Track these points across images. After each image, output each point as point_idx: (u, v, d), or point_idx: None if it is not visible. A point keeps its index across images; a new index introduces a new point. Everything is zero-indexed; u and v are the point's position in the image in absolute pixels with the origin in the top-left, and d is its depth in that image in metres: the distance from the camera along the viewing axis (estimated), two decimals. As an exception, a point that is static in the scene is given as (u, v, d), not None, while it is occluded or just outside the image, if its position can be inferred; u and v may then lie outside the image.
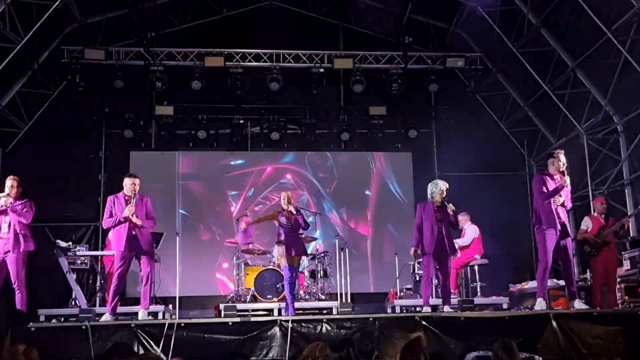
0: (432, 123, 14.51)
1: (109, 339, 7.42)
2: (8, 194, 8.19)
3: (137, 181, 8.35)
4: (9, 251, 8.11)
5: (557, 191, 8.26)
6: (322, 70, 12.85)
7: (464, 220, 11.36)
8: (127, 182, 8.33)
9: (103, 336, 7.43)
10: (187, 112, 13.88)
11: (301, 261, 9.50)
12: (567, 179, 8.26)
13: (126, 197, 8.27)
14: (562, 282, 10.57)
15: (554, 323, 7.86)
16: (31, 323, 7.55)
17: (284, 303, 9.22)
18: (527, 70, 12.41)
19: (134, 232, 8.19)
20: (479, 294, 11.03)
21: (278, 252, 9.37)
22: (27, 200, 8.35)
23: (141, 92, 13.18)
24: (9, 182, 8.25)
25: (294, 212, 8.99)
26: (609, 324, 7.90)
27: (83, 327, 7.40)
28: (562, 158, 8.38)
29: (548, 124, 13.54)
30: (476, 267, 11.27)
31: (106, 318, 8.08)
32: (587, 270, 10.53)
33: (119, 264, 8.20)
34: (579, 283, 10.94)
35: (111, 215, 8.21)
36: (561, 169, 8.34)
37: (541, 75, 12.40)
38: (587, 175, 12.31)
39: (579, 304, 8.41)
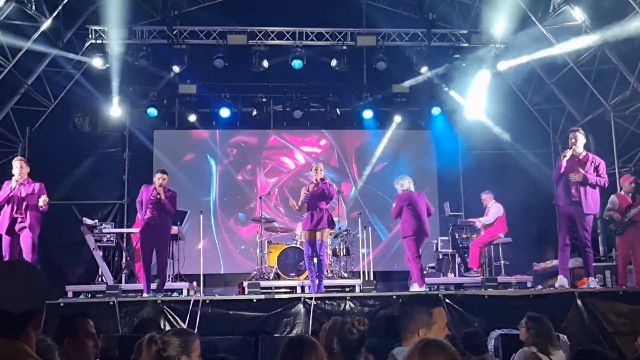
0: (456, 100, 14.35)
1: (136, 315, 7.57)
2: (18, 176, 8.32)
3: (165, 177, 8.81)
4: (24, 227, 8.29)
5: (558, 169, 8.32)
6: (345, 48, 12.75)
7: (487, 198, 11.32)
8: (155, 177, 8.85)
9: (130, 312, 7.57)
10: (210, 91, 13.92)
11: (327, 235, 9.27)
12: (568, 152, 8.31)
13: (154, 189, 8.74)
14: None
15: (579, 301, 7.86)
16: (59, 299, 7.71)
17: (309, 280, 9.27)
18: (553, 47, 12.19)
19: (153, 222, 8.70)
20: (502, 272, 11.01)
21: (301, 225, 9.27)
22: (40, 185, 8.49)
23: (165, 71, 13.21)
24: (17, 163, 8.40)
25: (318, 183, 8.90)
26: (635, 303, 7.87)
27: (110, 303, 7.54)
28: (576, 135, 8.40)
29: (574, 101, 13.34)
30: (500, 246, 11.23)
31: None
32: (613, 249, 10.45)
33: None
34: (603, 261, 10.89)
35: (141, 204, 8.84)
36: (570, 146, 8.34)
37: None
38: (614, 153, 12.14)
39: (592, 283, 8.40)
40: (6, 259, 8.17)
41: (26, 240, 8.27)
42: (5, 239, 8.34)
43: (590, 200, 8.33)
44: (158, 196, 8.60)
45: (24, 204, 8.29)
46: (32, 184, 8.40)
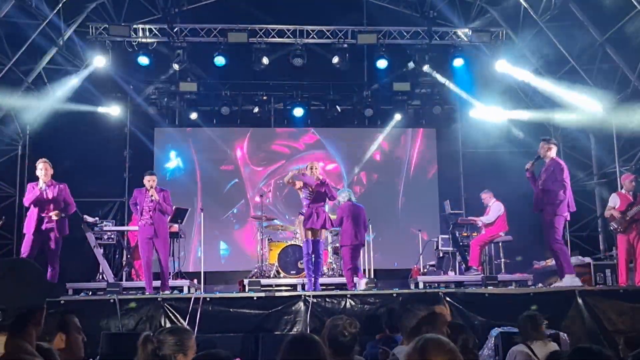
0: (456, 99, 14.34)
1: (137, 312, 7.57)
2: (44, 178, 8.44)
3: (154, 178, 8.90)
4: (52, 229, 8.42)
5: (529, 179, 8.79)
6: (345, 45, 12.74)
7: (487, 197, 11.30)
8: (144, 179, 8.93)
9: (130, 309, 7.58)
10: (211, 89, 13.91)
11: (323, 236, 9.32)
12: (529, 164, 8.75)
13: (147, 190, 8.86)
14: (587, 260, 10.53)
15: (580, 300, 7.86)
16: (60, 297, 7.72)
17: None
18: (554, 45, 12.19)
19: (151, 222, 8.77)
20: (503, 270, 11.01)
21: (299, 224, 9.31)
22: (64, 187, 8.67)
23: (166, 68, 13.20)
24: (41, 165, 8.50)
25: (318, 183, 8.93)
26: (635, 301, 7.87)
27: (111, 300, 7.55)
28: (542, 145, 8.69)
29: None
30: (500, 244, 11.22)
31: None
32: (613, 248, 10.45)
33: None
34: (603, 260, 10.90)
35: (135, 207, 9.01)
36: (537, 156, 8.76)
37: (569, 50, 12.17)
38: (615, 151, 12.13)
39: (568, 281, 8.46)
40: (24, 255, 8.22)
41: (54, 242, 8.45)
42: (30, 238, 8.40)
43: (549, 206, 8.46)
44: (152, 197, 8.69)
45: (51, 205, 8.45)
46: (56, 185, 8.57)
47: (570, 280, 8.36)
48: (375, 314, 7.36)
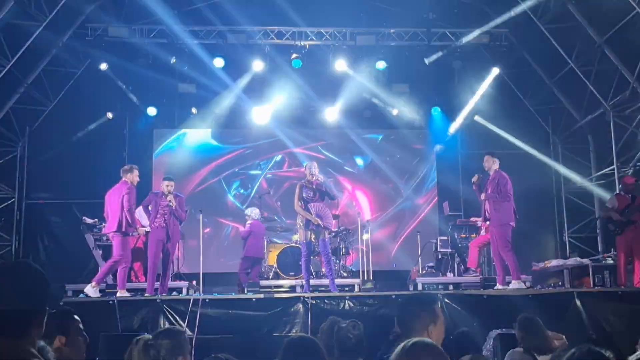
0: (455, 100, 14.34)
1: (135, 314, 7.58)
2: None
3: (172, 183, 9.08)
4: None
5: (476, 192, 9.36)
6: (344, 47, 12.74)
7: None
8: (163, 184, 9.13)
9: (129, 311, 7.59)
10: (209, 90, 13.89)
11: (327, 235, 9.23)
12: (475, 177, 9.31)
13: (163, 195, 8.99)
14: (585, 261, 10.54)
15: (578, 301, 7.87)
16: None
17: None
18: (553, 47, 12.20)
19: (165, 226, 8.94)
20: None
21: (298, 224, 9.22)
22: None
23: (164, 70, 13.20)
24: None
25: (318, 183, 8.90)
26: (634, 303, 7.89)
27: (110, 302, 7.56)
28: (486, 159, 9.17)
29: (574, 101, 13.33)
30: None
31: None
32: (612, 249, 10.46)
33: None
34: (602, 262, 10.92)
35: (147, 209, 9.25)
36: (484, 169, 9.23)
37: (567, 51, 12.18)
38: (613, 153, 12.14)
39: (513, 286, 8.76)
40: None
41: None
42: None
43: (495, 216, 8.97)
44: (170, 204, 8.72)
45: None
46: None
47: (516, 285, 8.71)
48: (393, 316, 7.38)
